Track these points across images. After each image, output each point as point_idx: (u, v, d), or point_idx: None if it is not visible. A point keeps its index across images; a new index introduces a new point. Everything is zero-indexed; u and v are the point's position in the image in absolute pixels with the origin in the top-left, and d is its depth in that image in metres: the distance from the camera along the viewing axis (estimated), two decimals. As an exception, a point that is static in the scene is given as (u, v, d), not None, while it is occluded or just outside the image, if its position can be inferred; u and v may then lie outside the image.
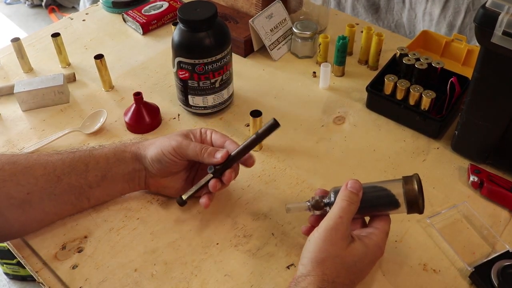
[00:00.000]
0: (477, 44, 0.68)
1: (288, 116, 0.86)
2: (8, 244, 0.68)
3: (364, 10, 1.28)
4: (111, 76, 0.92)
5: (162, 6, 1.11)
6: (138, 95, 0.81)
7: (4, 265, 1.48)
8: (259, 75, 0.96)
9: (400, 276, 0.63)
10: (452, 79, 0.80)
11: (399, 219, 0.68)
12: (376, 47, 0.93)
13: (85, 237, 0.66)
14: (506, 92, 0.67)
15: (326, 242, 0.54)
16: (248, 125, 0.84)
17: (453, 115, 0.82)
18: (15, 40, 0.93)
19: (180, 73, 0.79)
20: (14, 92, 0.85)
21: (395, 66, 0.87)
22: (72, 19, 1.13)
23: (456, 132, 0.77)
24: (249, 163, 0.66)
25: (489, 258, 0.62)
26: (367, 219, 0.62)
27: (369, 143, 0.81)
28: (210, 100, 0.82)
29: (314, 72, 0.96)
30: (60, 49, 0.95)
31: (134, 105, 0.82)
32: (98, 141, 0.81)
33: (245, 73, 0.96)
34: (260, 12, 0.97)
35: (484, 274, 0.60)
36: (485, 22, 0.62)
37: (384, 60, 0.93)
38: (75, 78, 0.94)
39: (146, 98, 0.83)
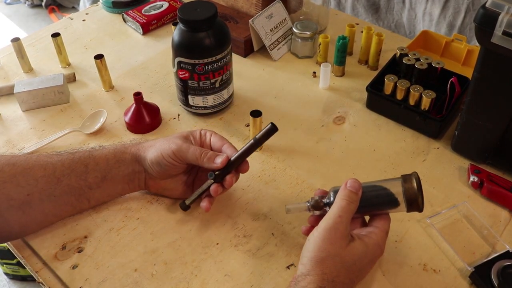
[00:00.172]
0: (477, 44, 0.68)
1: (288, 116, 0.86)
2: (8, 244, 0.68)
3: (364, 10, 1.28)
4: (111, 76, 0.92)
5: (162, 6, 1.11)
6: (138, 95, 0.81)
7: (4, 265, 1.48)
8: (259, 75, 0.96)
9: (400, 276, 0.63)
10: (452, 79, 0.80)
11: (399, 219, 0.68)
12: (376, 47, 0.93)
13: (85, 237, 0.66)
14: (506, 92, 0.67)
15: (325, 242, 0.54)
16: (248, 125, 0.84)
17: (453, 115, 0.82)
18: (15, 40, 0.93)
19: (180, 73, 0.79)
20: (14, 92, 0.85)
21: (395, 66, 0.87)
22: (72, 19, 1.13)
23: (456, 132, 0.77)
24: (243, 169, 0.66)
25: (489, 258, 0.62)
26: (367, 218, 0.62)
27: (369, 143, 0.81)
28: (210, 100, 0.82)
29: (314, 72, 0.96)
30: (60, 49, 0.95)
31: (134, 105, 0.82)
32: (98, 141, 0.81)
33: (245, 73, 0.96)
34: (260, 12, 0.97)
35: (484, 274, 0.60)
36: (485, 22, 0.62)
37: (384, 60, 0.93)
38: (75, 78, 0.94)
39: (146, 98, 0.83)
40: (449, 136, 0.81)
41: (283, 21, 1.00)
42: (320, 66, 0.92)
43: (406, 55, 0.85)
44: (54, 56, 0.97)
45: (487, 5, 0.62)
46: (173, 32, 0.78)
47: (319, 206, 0.60)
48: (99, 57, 0.87)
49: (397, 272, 0.63)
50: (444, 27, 1.15)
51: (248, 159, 0.65)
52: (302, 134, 0.83)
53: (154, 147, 0.66)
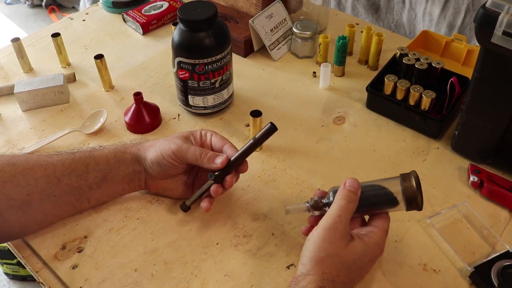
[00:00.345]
0: (477, 44, 0.68)
1: (288, 116, 0.86)
2: (8, 244, 0.68)
3: (364, 10, 1.28)
4: (111, 76, 0.92)
5: (162, 6, 1.11)
6: (138, 95, 0.81)
7: (4, 265, 1.48)
8: (259, 75, 0.96)
9: (400, 276, 0.63)
10: (452, 79, 0.80)
11: (399, 219, 0.68)
12: (376, 47, 0.93)
13: (85, 237, 0.66)
14: (506, 92, 0.67)
15: (325, 241, 0.54)
16: (248, 125, 0.84)
17: (453, 115, 0.82)
18: (15, 40, 0.93)
19: (180, 73, 0.79)
20: (14, 92, 0.85)
21: (395, 66, 0.87)
22: (72, 19, 1.13)
23: (456, 132, 0.77)
24: (242, 169, 0.66)
25: (489, 258, 0.62)
26: (366, 218, 0.62)
27: (369, 143, 0.81)
28: (210, 100, 0.82)
29: (314, 72, 0.96)
30: (60, 49, 0.95)
31: (134, 105, 0.82)
32: (98, 141, 0.81)
33: (245, 73, 0.96)
34: (260, 12, 0.97)
35: (484, 274, 0.60)
36: (485, 22, 0.62)
37: (384, 60, 0.93)
38: (75, 78, 0.94)
39: (146, 98, 0.83)
40: (449, 136, 0.81)
41: (283, 21, 1.00)
42: (320, 66, 0.92)
43: (406, 55, 0.85)
44: (54, 56, 0.97)
45: (487, 5, 0.62)
46: (173, 32, 0.78)
47: (319, 206, 0.60)
48: (99, 57, 0.87)
49: (397, 272, 0.63)
50: (444, 27, 1.15)
51: (248, 159, 0.65)
52: (302, 134, 0.83)
53: (154, 147, 0.66)
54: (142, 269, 0.63)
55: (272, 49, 0.99)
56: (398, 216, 0.68)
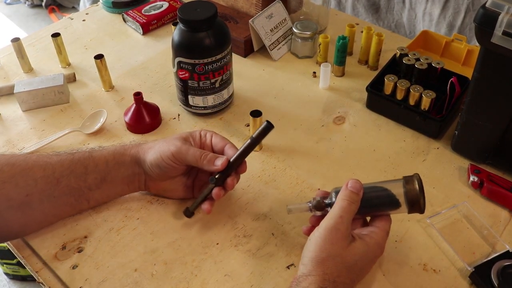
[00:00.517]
0: (477, 44, 0.68)
1: (288, 116, 0.86)
2: (8, 244, 0.68)
3: (365, 10, 1.28)
4: (111, 76, 0.92)
5: (162, 6, 1.11)
6: (138, 95, 0.81)
7: (4, 265, 1.48)
8: (259, 75, 0.96)
9: (400, 276, 0.63)
10: (452, 79, 0.80)
11: (399, 219, 0.68)
12: (376, 47, 0.93)
13: (85, 237, 0.66)
14: (506, 92, 0.67)
15: (326, 242, 0.54)
16: (248, 125, 0.84)
17: (453, 115, 0.82)
18: (15, 40, 0.93)
19: (180, 73, 0.79)
20: (14, 92, 0.85)
21: (395, 66, 0.87)
22: (72, 19, 1.13)
23: (456, 132, 0.77)
24: (242, 170, 0.66)
25: (489, 258, 0.62)
26: (368, 219, 0.62)
27: (369, 143, 0.81)
28: (210, 100, 0.82)
29: (314, 72, 0.96)
30: (60, 49, 0.95)
31: (134, 105, 0.82)
32: (98, 141, 0.81)
33: (245, 73, 0.96)
34: (260, 12, 0.97)
35: (484, 274, 0.60)
36: (485, 22, 0.62)
37: (384, 60, 0.93)
38: (75, 78, 0.94)
39: (146, 98, 0.83)
40: (449, 136, 0.81)
41: (283, 21, 1.00)
42: (320, 66, 0.92)
43: (406, 55, 0.85)
44: (54, 56, 0.97)
45: (487, 5, 0.62)
46: (173, 32, 0.78)
47: (321, 207, 0.60)
48: (99, 57, 0.87)
49: (397, 272, 0.63)
50: (444, 27, 1.15)
51: (247, 159, 0.65)
52: (302, 134, 0.83)
53: (153, 149, 0.66)
54: (142, 269, 0.63)
55: (272, 49, 0.99)
56: (398, 216, 0.68)
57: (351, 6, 1.30)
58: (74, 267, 0.63)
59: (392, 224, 0.60)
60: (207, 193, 0.65)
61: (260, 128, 0.63)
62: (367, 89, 0.85)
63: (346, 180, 0.58)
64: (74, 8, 2.83)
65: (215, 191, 0.64)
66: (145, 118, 0.82)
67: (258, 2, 0.99)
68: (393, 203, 0.58)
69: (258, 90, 0.92)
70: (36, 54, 1.01)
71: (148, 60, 1.00)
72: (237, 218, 0.69)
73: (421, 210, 0.57)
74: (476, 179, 0.72)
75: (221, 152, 0.66)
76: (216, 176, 0.64)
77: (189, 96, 0.82)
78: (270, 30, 0.98)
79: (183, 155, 0.64)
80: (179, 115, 0.87)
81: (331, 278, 0.52)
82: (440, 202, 0.71)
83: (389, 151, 0.80)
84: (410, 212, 0.57)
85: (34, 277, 0.64)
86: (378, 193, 0.59)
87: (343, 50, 0.91)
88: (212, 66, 0.78)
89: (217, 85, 0.81)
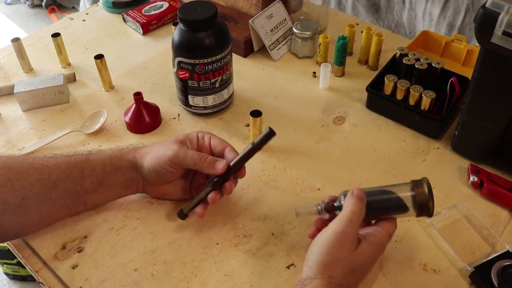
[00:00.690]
0: (477, 44, 0.68)
1: (288, 116, 0.86)
2: (8, 244, 0.68)
3: (365, 10, 1.28)
4: (111, 76, 0.92)
5: (162, 6, 1.11)
6: (138, 95, 0.81)
7: (4, 265, 1.48)
8: (259, 75, 0.96)
9: (400, 276, 0.63)
10: (452, 79, 0.80)
11: (399, 219, 0.68)
12: (376, 47, 0.93)
13: (85, 237, 0.66)
14: (506, 92, 0.67)
15: (334, 246, 0.53)
16: (248, 125, 0.84)
17: (453, 115, 0.82)
18: (15, 40, 0.93)
19: (180, 73, 0.79)
20: (14, 92, 0.85)
21: (395, 66, 0.87)
22: (72, 19, 1.13)
23: (456, 132, 0.77)
24: (240, 175, 0.65)
25: (489, 258, 0.62)
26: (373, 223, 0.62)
27: (369, 143, 0.81)
28: (210, 100, 0.82)
29: (314, 72, 0.96)
30: (60, 49, 0.95)
31: (134, 105, 0.82)
32: (98, 141, 0.81)
33: (245, 73, 0.96)
34: (260, 12, 0.97)
35: (484, 274, 0.60)
36: (485, 22, 0.62)
37: (384, 60, 0.93)
38: (75, 78, 0.94)
39: (146, 98, 0.83)
40: (449, 136, 0.81)
41: (283, 21, 1.00)
42: (320, 66, 0.92)
43: (406, 55, 0.85)
44: (54, 56, 0.97)
45: (487, 5, 0.62)
46: (173, 32, 0.78)
47: (332, 209, 0.60)
48: (99, 57, 0.87)
49: (397, 272, 0.63)
50: (444, 27, 1.15)
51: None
52: (302, 134, 0.83)
53: (150, 154, 0.65)
54: (142, 269, 0.63)
55: (272, 49, 0.99)
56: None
57: (351, 6, 1.30)
58: (74, 267, 0.63)
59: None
60: (203, 196, 0.65)
61: (262, 135, 0.63)
62: (367, 89, 0.85)
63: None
64: (74, 8, 2.83)
65: (211, 195, 0.64)
66: (145, 118, 0.82)
67: (258, 2, 0.99)
68: (401, 207, 0.58)
69: (258, 90, 0.92)
70: (36, 54, 1.01)
71: (148, 60, 1.00)
72: (237, 218, 0.69)
73: (430, 213, 0.57)
74: (476, 179, 0.72)
75: (221, 155, 0.66)
76: (215, 180, 0.64)
77: (189, 96, 0.82)
78: (270, 30, 0.98)
79: (180, 159, 0.63)
80: (179, 115, 0.87)
81: (337, 282, 0.52)
82: (440, 202, 0.71)
83: (389, 151, 0.80)
84: (418, 215, 0.57)
85: (34, 277, 0.64)
86: (386, 196, 0.58)
87: (343, 50, 0.91)
88: (212, 66, 0.78)
89: (217, 85, 0.81)
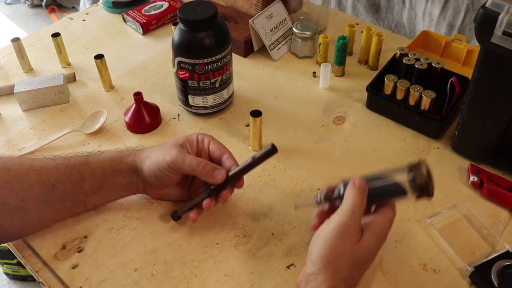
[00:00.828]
0: (477, 44, 0.68)
1: (288, 116, 0.86)
2: (8, 244, 0.68)
3: (365, 10, 1.28)
4: (111, 76, 0.92)
5: (162, 6, 1.11)
6: (138, 95, 0.81)
7: (4, 265, 1.48)
8: (259, 75, 0.96)
9: (400, 276, 0.63)
10: (452, 79, 0.80)
11: (399, 219, 0.68)
12: (376, 47, 0.93)
13: (85, 237, 0.66)
14: (506, 92, 0.67)
15: (337, 238, 0.53)
16: (248, 125, 0.84)
17: (453, 115, 0.82)
18: (15, 40, 0.93)
19: (180, 73, 0.79)
20: (14, 92, 0.85)
21: (395, 66, 0.87)
22: (72, 19, 1.13)
23: (456, 132, 0.77)
24: (238, 185, 0.65)
25: (489, 258, 0.62)
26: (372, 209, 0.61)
27: (369, 143, 0.81)
28: (210, 100, 0.82)
29: (314, 72, 0.96)
30: (60, 49, 0.95)
31: (134, 105, 0.82)
32: (98, 141, 0.81)
33: (245, 73, 0.96)
34: (260, 12, 0.97)
35: (484, 274, 0.60)
36: (485, 22, 0.62)
37: (384, 60, 0.93)
38: (75, 78, 0.94)
39: (146, 98, 0.83)
40: (449, 136, 0.81)
41: (283, 21, 1.00)
42: (320, 66, 0.92)
43: (406, 55, 0.85)
44: (54, 56, 0.97)
45: (487, 5, 0.62)
46: (173, 32, 0.78)
47: (330, 198, 0.59)
48: (99, 57, 0.87)
49: (397, 272, 0.63)
50: (444, 27, 1.15)
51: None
52: (302, 134, 0.83)
53: (150, 159, 0.65)
54: (142, 269, 0.63)
55: (272, 49, 0.99)
56: (398, 216, 0.67)
57: (351, 6, 1.30)
58: (74, 267, 0.63)
59: (392, 224, 0.59)
60: (199, 201, 0.65)
61: (263, 150, 0.62)
62: (367, 89, 0.85)
63: (354, 178, 0.57)
64: (74, 8, 2.83)
65: (206, 202, 0.63)
66: (145, 118, 0.82)
67: (258, 2, 0.99)
68: (401, 191, 0.57)
69: (258, 90, 0.92)
70: (36, 54, 1.01)
71: (148, 60, 1.00)
72: (237, 218, 0.69)
73: (430, 194, 0.56)
74: (476, 179, 0.72)
75: (218, 160, 0.66)
76: (211, 187, 0.64)
77: (189, 96, 0.82)
78: (270, 30, 0.98)
79: (179, 165, 0.63)
80: (179, 115, 0.87)
81: (342, 276, 0.52)
82: (440, 202, 0.71)
83: (389, 151, 0.80)
84: (418, 197, 0.56)
85: (34, 277, 0.64)
86: (384, 182, 0.58)
87: (343, 50, 0.91)
88: (212, 66, 0.78)
89: (217, 85, 0.81)
